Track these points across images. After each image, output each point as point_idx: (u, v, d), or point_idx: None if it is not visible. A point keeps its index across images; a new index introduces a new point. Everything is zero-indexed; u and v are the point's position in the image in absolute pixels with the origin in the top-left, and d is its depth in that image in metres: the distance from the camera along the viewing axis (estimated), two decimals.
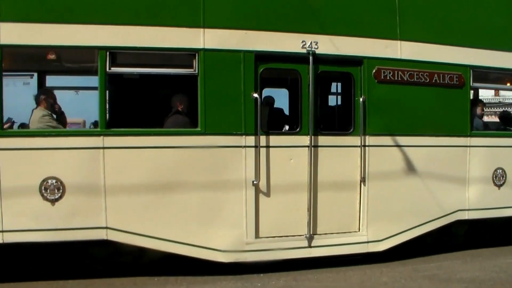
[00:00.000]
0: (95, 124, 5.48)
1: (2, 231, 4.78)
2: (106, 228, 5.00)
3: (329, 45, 5.60)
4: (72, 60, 5.67)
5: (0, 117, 4.73)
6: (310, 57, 5.52)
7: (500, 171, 6.32)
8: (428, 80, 5.99)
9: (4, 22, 4.75)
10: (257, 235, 5.44)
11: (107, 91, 5.11)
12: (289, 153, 5.55)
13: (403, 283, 5.19)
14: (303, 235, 5.59)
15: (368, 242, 5.80)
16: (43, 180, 4.83)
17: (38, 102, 5.19)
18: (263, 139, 5.41)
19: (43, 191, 4.84)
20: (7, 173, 4.77)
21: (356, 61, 5.73)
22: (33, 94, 5.40)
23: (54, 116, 5.26)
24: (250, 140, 5.36)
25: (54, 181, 4.85)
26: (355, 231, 5.82)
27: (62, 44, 4.96)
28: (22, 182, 4.82)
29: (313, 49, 5.55)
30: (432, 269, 5.74)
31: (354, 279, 5.31)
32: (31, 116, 5.19)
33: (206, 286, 5.12)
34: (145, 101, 5.94)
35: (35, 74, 6.71)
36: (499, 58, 6.35)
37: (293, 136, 5.63)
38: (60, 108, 5.47)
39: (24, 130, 5.15)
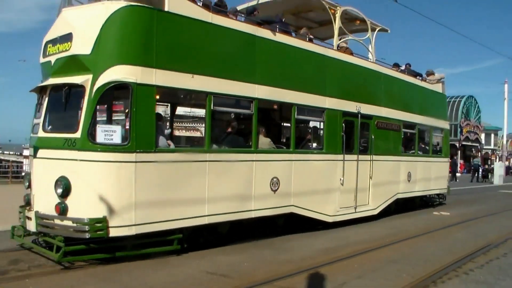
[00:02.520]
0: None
1: (251, 210, 8.26)
2: (292, 206, 9.05)
3: (364, 108, 11.03)
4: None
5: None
6: (359, 114, 10.84)
7: (409, 171, 12.98)
8: (391, 127, 12.12)
9: (259, 85, 8.33)
10: (340, 206, 10.34)
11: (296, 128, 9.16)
12: (351, 163, 10.67)
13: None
14: (352, 206, 10.77)
15: (372, 209, 11.42)
16: (272, 178, 8.57)
17: (260, 132, 8.70)
18: (350, 154, 10.40)
19: (271, 185, 8.57)
20: (259, 174, 8.31)
21: (371, 116, 11.34)
22: (259, 126, 8.67)
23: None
24: (340, 156, 10.26)
25: (276, 179, 8.65)
26: (367, 204, 11.35)
27: (281, 100, 8.88)
28: (262, 179, 8.42)
29: (360, 110, 10.86)
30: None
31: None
32: (257, 140, 8.61)
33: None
34: (299, 133, 9.95)
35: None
36: (410, 116, 13.09)
37: (353, 155, 10.77)
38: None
39: (265, 150, 8.61)
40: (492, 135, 62.34)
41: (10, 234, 7.52)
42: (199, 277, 6.17)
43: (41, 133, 6.90)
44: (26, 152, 44.49)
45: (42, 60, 7.44)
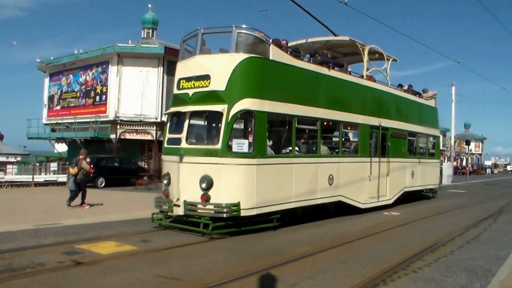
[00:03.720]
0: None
1: (317, 198, 11.37)
2: (340, 196, 12.23)
3: (383, 122, 14.36)
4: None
5: None
6: (380, 127, 14.16)
7: (412, 170, 16.42)
8: (400, 136, 15.54)
9: (321, 108, 11.45)
10: (368, 197, 13.61)
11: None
12: (375, 163, 13.96)
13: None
14: (375, 196, 14.07)
15: (387, 199, 14.77)
16: (329, 175, 11.72)
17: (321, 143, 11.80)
18: (375, 157, 13.68)
19: (328, 180, 11.71)
20: (321, 172, 11.43)
21: (387, 128, 14.69)
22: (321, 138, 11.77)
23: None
24: (368, 159, 13.54)
25: (331, 175, 11.80)
26: (385, 195, 14.67)
27: (333, 119, 12.02)
28: (323, 176, 11.55)
29: (380, 124, 14.18)
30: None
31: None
32: (320, 149, 11.69)
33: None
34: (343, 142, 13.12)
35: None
36: (413, 126, 16.57)
37: (376, 158, 14.06)
38: None
39: (325, 154, 11.71)
40: (441, 136, 66.70)
41: (151, 219, 10.38)
42: (150, 281, 6.12)
43: (184, 145, 9.74)
44: None
45: (177, 91, 10.30)
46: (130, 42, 28.52)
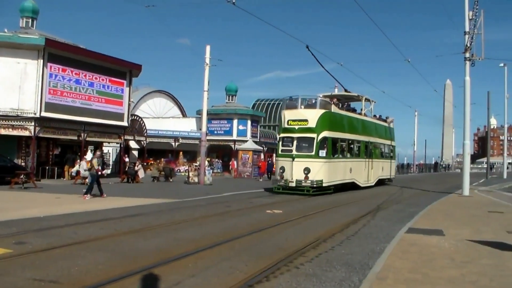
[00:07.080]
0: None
1: (346, 179, 22.42)
2: (354, 179, 23.44)
3: (370, 139, 25.78)
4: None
5: None
6: (369, 141, 25.59)
7: (382, 166, 28.03)
8: (377, 146, 27.17)
9: (347, 133, 22.53)
10: (363, 180, 24.90)
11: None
12: (367, 162, 25.30)
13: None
14: (367, 180, 25.44)
15: (372, 182, 26.23)
16: (350, 167, 22.83)
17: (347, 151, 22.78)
18: (367, 159, 25.04)
19: (349, 171, 22.84)
20: (347, 166, 22.49)
21: (372, 142, 26.16)
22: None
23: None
24: (364, 159, 24.89)
25: (351, 168, 22.95)
26: (371, 180, 26.10)
27: (351, 138, 23.16)
28: (348, 168, 22.61)
29: (369, 140, 25.58)
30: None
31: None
32: (347, 154, 22.68)
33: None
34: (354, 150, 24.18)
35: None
36: (381, 140, 28.28)
37: (367, 158, 25.39)
38: None
39: (348, 157, 22.68)
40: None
41: (273, 188, 20.79)
42: (25, 285, 5.64)
43: (294, 152, 20.22)
44: None
45: (286, 126, 20.78)
46: (6, 31, 26.14)
